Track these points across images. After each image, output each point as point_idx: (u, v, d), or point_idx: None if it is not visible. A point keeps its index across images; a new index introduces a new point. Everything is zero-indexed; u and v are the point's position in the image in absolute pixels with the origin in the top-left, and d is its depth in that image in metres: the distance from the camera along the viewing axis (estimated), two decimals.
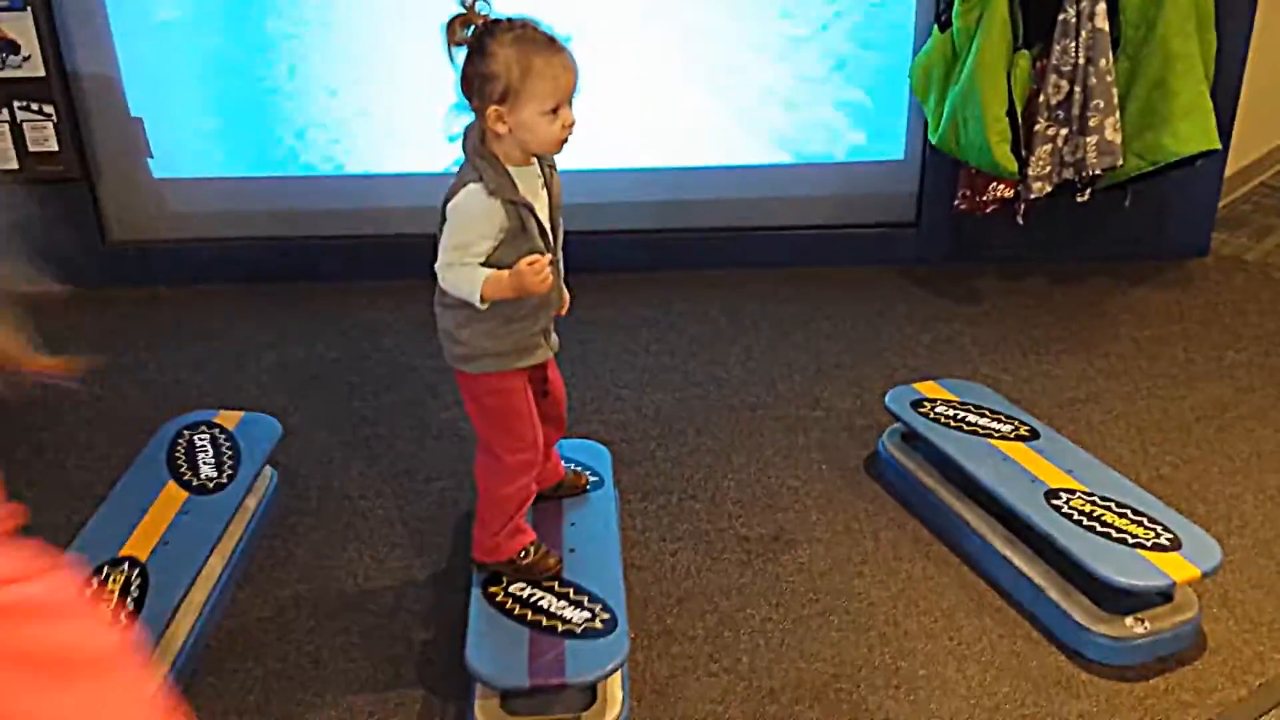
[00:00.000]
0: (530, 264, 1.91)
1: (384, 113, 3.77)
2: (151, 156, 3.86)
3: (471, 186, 1.93)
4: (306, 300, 3.80)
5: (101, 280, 3.89)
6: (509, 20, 1.89)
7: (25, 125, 3.71)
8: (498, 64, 1.86)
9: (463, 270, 1.95)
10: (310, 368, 3.39)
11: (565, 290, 2.18)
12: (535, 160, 2.02)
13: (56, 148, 3.75)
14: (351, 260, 3.93)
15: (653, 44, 3.73)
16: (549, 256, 1.99)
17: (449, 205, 1.96)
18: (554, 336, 2.18)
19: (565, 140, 1.95)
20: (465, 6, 1.89)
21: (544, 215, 2.03)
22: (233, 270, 3.94)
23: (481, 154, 1.95)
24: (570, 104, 1.92)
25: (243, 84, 3.77)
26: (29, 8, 3.57)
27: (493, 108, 1.89)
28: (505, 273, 1.93)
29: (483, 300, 1.95)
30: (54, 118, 3.71)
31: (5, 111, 3.69)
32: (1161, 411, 3.05)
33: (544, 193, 2.05)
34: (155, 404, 3.13)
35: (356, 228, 3.92)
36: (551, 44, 1.89)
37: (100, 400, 3.22)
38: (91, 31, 3.68)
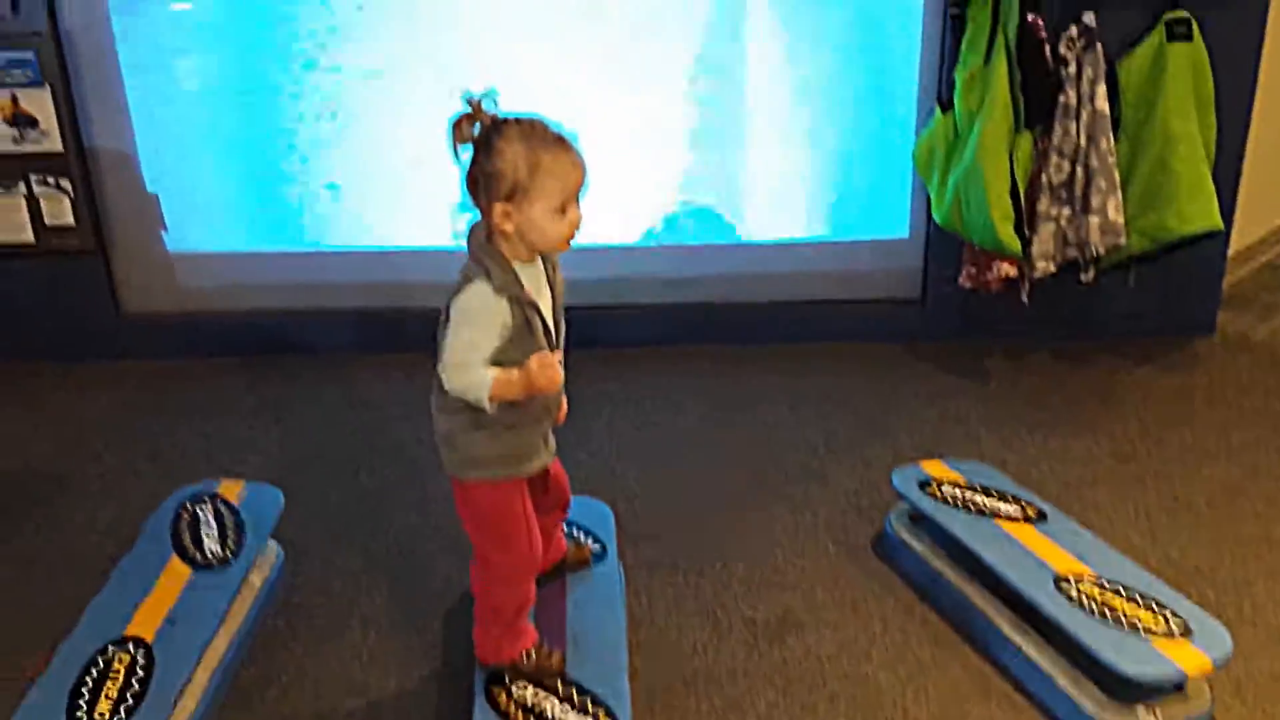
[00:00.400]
0: (540, 363, 1.89)
1: (393, 187, 3.81)
2: (166, 230, 3.91)
3: (477, 284, 1.91)
4: (315, 372, 3.82)
5: (114, 351, 3.92)
6: (516, 119, 1.89)
7: (42, 199, 3.76)
8: (505, 161, 1.85)
9: (470, 370, 1.91)
10: (317, 441, 3.39)
11: (564, 397, 2.14)
12: (539, 258, 2.00)
13: (73, 222, 3.80)
14: (360, 333, 3.95)
15: (660, 121, 3.79)
16: (558, 355, 1.97)
17: (454, 304, 1.93)
18: (552, 441, 2.16)
19: (571, 238, 1.94)
20: (472, 105, 1.89)
21: (548, 313, 2.01)
22: (243, 342, 3.96)
23: (487, 252, 1.93)
24: (577, 202, 1.92)
25: (256, 159, 3.82)
26: (48, 83, 3.64)
27: (499, 205, 1.88)
28: (515, 372, 1.90)
29: (491, 400, 1.91)
30: (71, 192, 3.76)
31: (23, 185, 3.74)
32: (1169, 494, 3.04)
33: (548, 290, 2.03)
34: (162, 476, 3.14)
35: (365, 301, 3.95)
36: (560, 142, 1.88)
37: (107, 473, 3.23)
38: (109, 107, 3.74)
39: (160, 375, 3.83)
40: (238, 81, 3.73)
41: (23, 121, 3.68)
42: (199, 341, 3.97)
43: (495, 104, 1.91)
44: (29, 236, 3.79)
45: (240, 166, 3.84)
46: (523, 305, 1.93)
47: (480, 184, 1.90)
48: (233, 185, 3.87)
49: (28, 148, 3.70)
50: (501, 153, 1.86)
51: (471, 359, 1.91)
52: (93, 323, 3.94)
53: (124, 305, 3.98)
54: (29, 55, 3.61)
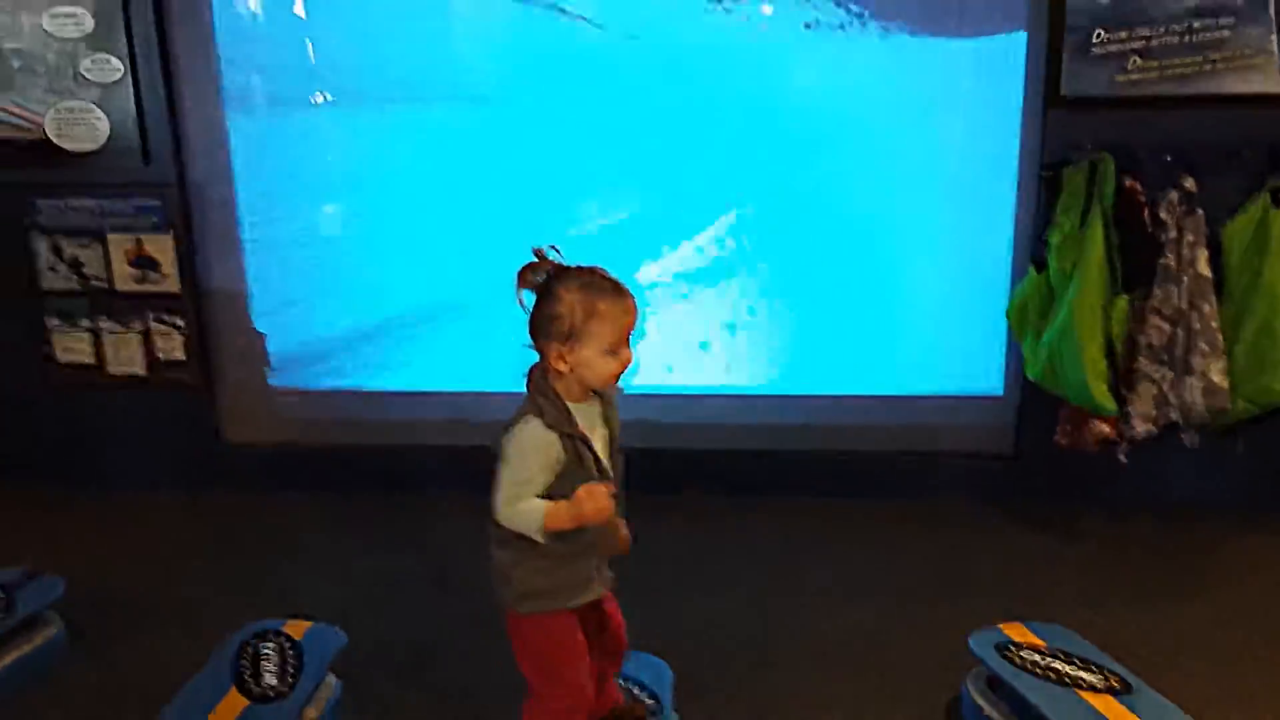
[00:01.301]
0: (589, 492, 1.95)
1: (485, 332, 3.92)
2: (270, 367, 4.06)
3: (530, 421, 2.01)
4: (403, 509, 3.87)
5: (213, 479, 4.06)
6: (578, 267, 2.03)
7: (156, 335, 3.96)
8: (563, 306, 1.98)
9: (522, 504, 2.00)
10: (394, 577, 3.41)
11: (625, 529, 2.18)
12: (595, 398, 2.08)
13: (184, 357, 3.99)
14: (450, 471, 4.00)
15: (755, 271, 3.83)
16: (608, 485, 2.01)
17: (507, 439, 2.02)
18: (608, 573, 2.18)
19: (620, 375, 2.03)
20: (536, 254, 2.03)
21: (601, 450, 2.07)
22: (338, 476, 4.06)
23: (543, 390, 2.03)
24: (630, 344, 2.01)
25: (358, 299, 3.98)
26: (171, 229, 3.87)
27: (556, 346, 2.00)
28: (564, 503, 1.97)
29: (543, 533, 1.98)
30: (184, 330, 3.96)
31: (140, 323, 3.95)
32: (1271, 671, 2.82)
33: (603, 429, 2.10)
34: (238, 607, 3.17)
35: (452, 440, 4.01)
36: (616, 289, 2.00)
37: (187, 602, 3.29)
38: (226, 252, 3.96)
39: (254, 507, 3.94)
40: (345, 228, 3.92)
41: (145, 264, 3.91)
42: (295, 474, 4.08)
43: (558, 254, 2.05)
44: (141, 370, 3.99)
45: (343, 309, 4.00)
46: (574, 440, 2.01)
47: (540, 326, 2.02)
48: (335, 326, 4.02)
49: (148, 288, 3.92)
50: (560, 299, 1.99)
51: (524, 492, 2.00)
52: (194, 453, 4.09)
53: (226, 437, 4.12)
54: (157, 203, 3.87)
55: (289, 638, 2.71)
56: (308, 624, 2.79)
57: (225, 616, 3.08)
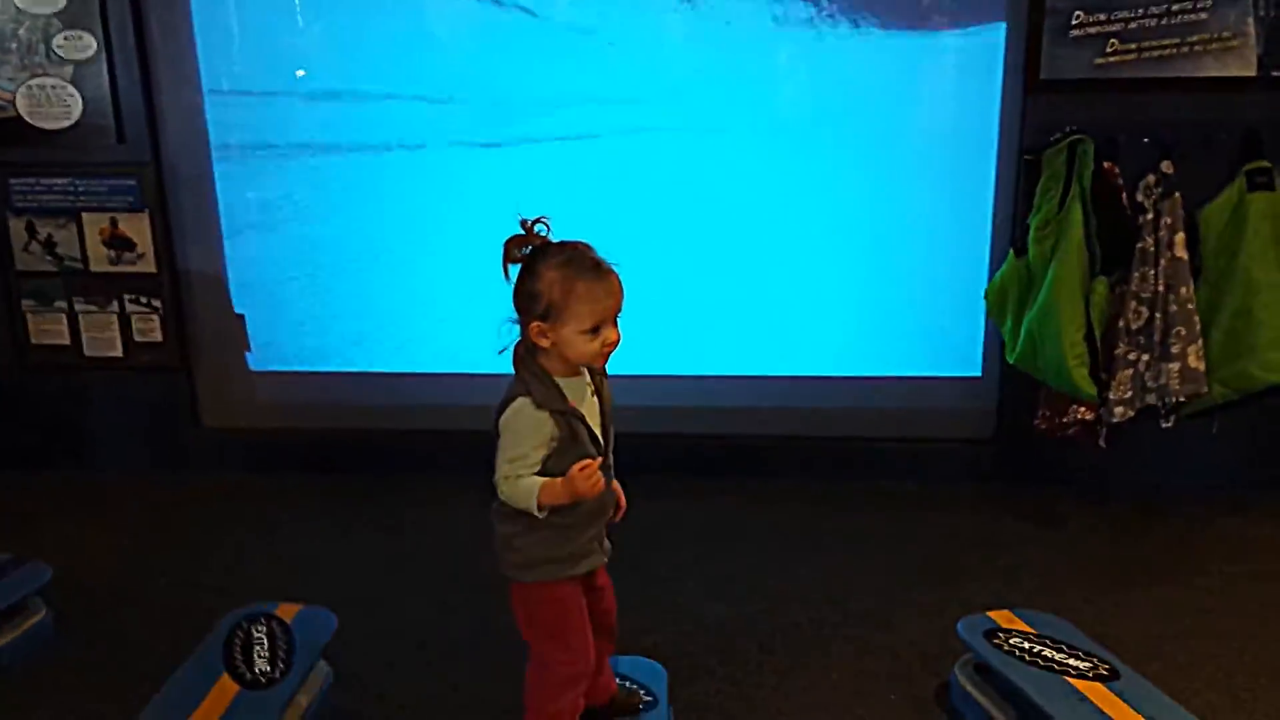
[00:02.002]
0: (581, 469, 1.96)
1: (469, 313, 3.90)
2: (250, 350, 4.03)
3: (520, 401, 2.00)
4: (386, 493, 3.86)
5: (191, 463, 4.02)
6: (562, 243, 2.00)
7: (133, 317, 3.91)
8: (543, 283, 1.96)
9: (519, 482, 2.00)
10: (381, 563, 3.40)
11: (620, 495, 2.20)
12: (584, 370, 2.08)
13: (161, 339, 3.95)
14: (432, 454, 4.00)
15: (737, 254, 3.84)
16: (599, 460, 2.02)
17: (501, 421, 2.02)
18: (606, 543, 2.20)
19: (605, 356, 2.02)
20: (524, 227, 2.00)
21: (594, 422, 2.07)
22: (318, 460, 4.03)
23: (529, 367, 2.03)
24: (613, 324, 2.00)
25: (338, 283, 3.95)
26: (147, 209, 3.82)
27: (536, 323, 1.98)
28: (559, 480, 1.98)
29: (540, 508, 1.99)
30: (160, 311, 3.91)
31: (115, 303, 3.90)
32: (1253, 655, 2.88)
33: (594, 400, 2.10)
34: (224, 590, 3.16)
35: (437, 423, 4.00)
36: (597, 268, 1.97)
37: (172, 586, 3.27)
38: (203, 233, 3.91)
39: (234, 490, 3.91)
40: (326, 210, 3.89)
41: (120, 244, 3.86)
42: (275, 457, 4.05)
43: (546, 229, 2.02)
44: (118, 351, 3.94)
45: (324, 292, 3.96)
46: (567, 417, 2.01)
47: (522, 302, 2.01)
48: (315, 308, 3.98)
49: (124, 268, 3.87)
50: (540, 275, 1.97)
51: (520, 471, 2.00)
52: (173, 435, 4.05)
53: (204, 419, 4.08)
54: (132, 182, 3.81)
55: (280, 621, 2.70)
56: (298, 607, 2.78)
57: (212, 600, 3.07)
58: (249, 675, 2.52)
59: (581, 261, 1.97)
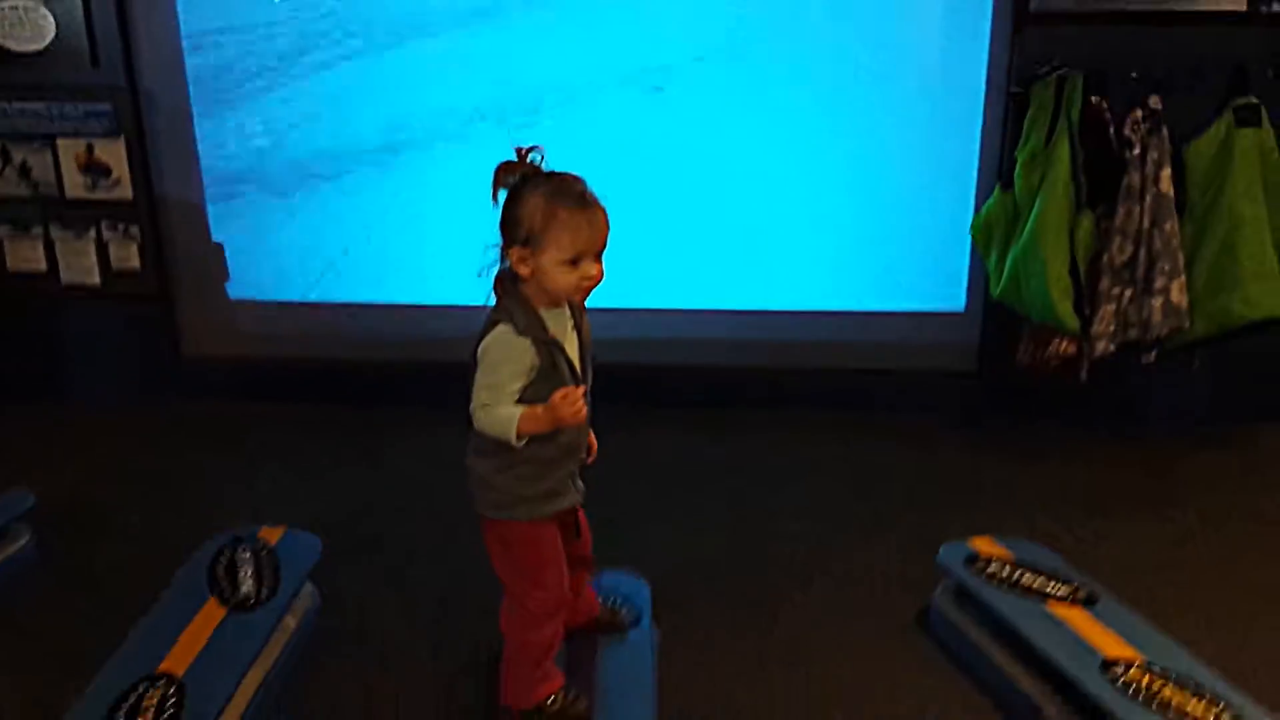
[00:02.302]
0: (563, 396, 1.94)
1: (454, 244, 3.87)
2: (229, 279, 3.99)
3: (501, 328, 1.98)
4: (367, 423, 3.85)
5: (172, 392, 4.00)
6: (551, 173, 1.98)
7: (110, 244, 3.86)
8: (526, 209, 1.94)
9: (497, 409, 1.98)
10: (362, 490, 3.40)
11: (592, 438, 2.19)
12: (565, 304, 2.06)
13: (139, 266, 3.90)
14: (413, 385, 3.98)
15: (721, 187, 3.82)
16: (582, 388, 2.01)
17: (480, 347, 2.00)
18: (579, 483, 2.19)
19: (585, 291, 1.99)
20: (517, 154, 1.98)
21: (574, 356, 2.06)
22: (299, 390, 4.02)
23: (512, 296, 2.00)
24: (595, 258, 1.97)
25: (318, 213, 3.90)
26: (123, 135, 3.76)
27: (516, 250, 1.96)
28: (539, 407, 1.96)
29: (518, 437, 1.97)
30: (138, 239, 3.86)
31: (93, 230, 3.85)
32: (1228, 582, 2.93)
33: (574, 334, 2.08)
34: (205, 518, 3.16)
35: (418, 354, 3.99)
36: (582, 199, 1.95)
37: (154, 512, 3.26)
38: (180, 160, 3.85)
39: (215, 419, 3.89)
40: (305, 139, 3.83)
41: (96, 170, 3.80)
42: (256, 387, 4.03)
43: (540, 157, 1.99)
44: (96, 280, 3.90)
45: (302, 220, 3.92)
46: (548, 346, 1.99)
47: (506, 228, 1.99)
48: (295, 238, 3.94)
49: (99, 195, 3.82)
50: (524, 201, 1.95)
51: (498, 398, 1.98)
52: (153, 365, 4.02)
53: (184, 349, 4.05)
54: (106, 107, 3.74)
55: (265, 544, 2.70)
56: (282, 530, 2.78)
57: (195, 526, 3.06)
58: (235, 598, 2.52)
59: (567, 191, 1.95)
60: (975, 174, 3.77)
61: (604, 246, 1.98)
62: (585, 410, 1.97)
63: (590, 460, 2.20)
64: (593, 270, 1.96)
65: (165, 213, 3.91)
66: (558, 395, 1.94)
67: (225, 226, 3.93)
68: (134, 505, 3.31)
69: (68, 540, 3.09)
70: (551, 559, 2.15)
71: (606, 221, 1.97)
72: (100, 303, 3.94)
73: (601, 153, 3.68)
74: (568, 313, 2.07)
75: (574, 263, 1.94)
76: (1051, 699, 2.32)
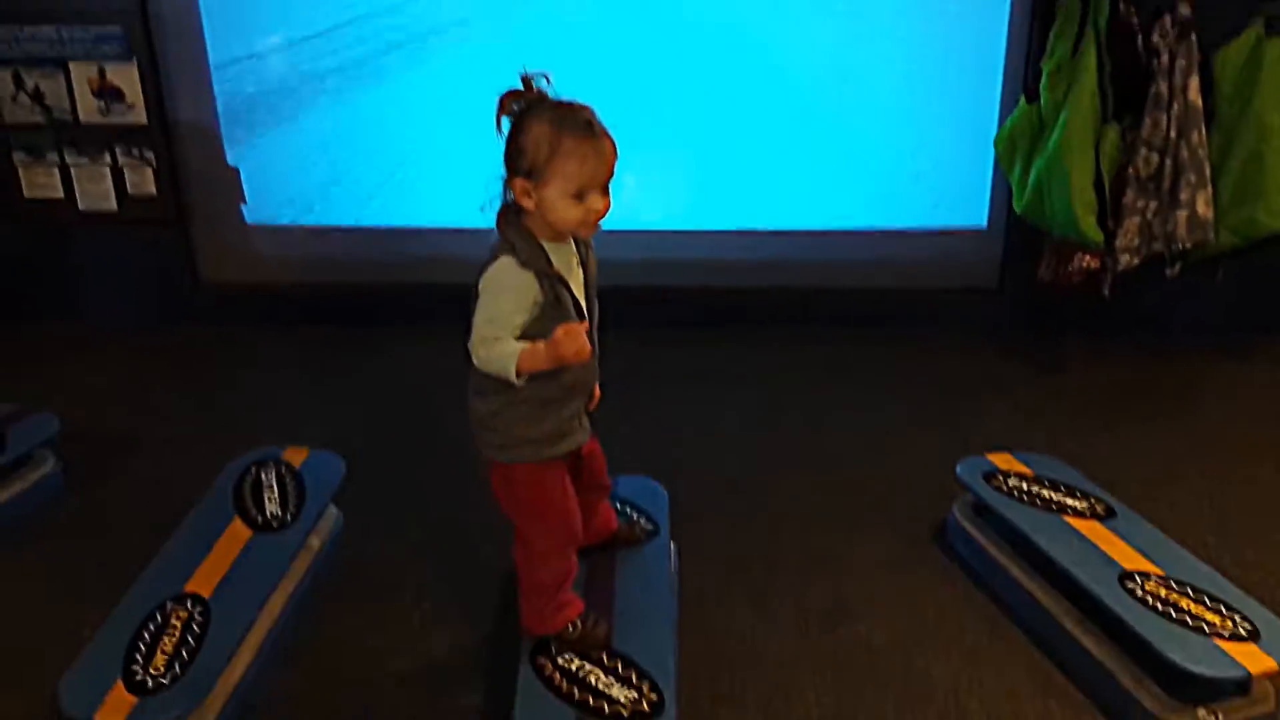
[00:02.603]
0: (566, 331, 1.84)
1: (463, 165, 3.84)
2: (245, 203, 3.98)
3: (503, 260, 1.90)
4: (386, 345, 3.86)
5: (190, 317, 4.02)
6: (557, 101, 1.88)
7: (126, 169, 3.86)
8: (529, 139, 1.85)
9: (497, 345, 1.90)
10: (383, 412, 3.43)
11: (597, 382, 2.12)
12: (570, 238, 1.98)
13: (155, 192, 3.90)
14: (430, 308, 3.97)
15: (741, 104, 3.76)
16: (585, 324, 1.92)
17: (482, 281, 1.93)
18: (587, 422, 2.13)
19: (591, 225, 1.91)
20: (523, 81, 1.88)
21: (579, 292, 1.99)
22: (318, 313, 4.02)
23: (515, 228, 1.92)
24: (603, 192, 1.89)
25: (335, 137, 3.88)
26: (135, 58, 3.73)
27: (520, 181, 1.88)
28: (541, 344, 1.87)
29: (519, 374, 1.89)
30: (153, 164, 3.85)
31: (108, 155, 3.84)
32: (1248, 495, 2.93)
33: (579, 270, 2.01)
34: (228, 441, 3.18)
35: (437, 276, 3.97)
36: (588, 129, 1.85)
37: (177, 436, 3.30)
38: (194, 83, 3.82)
39: (233, 342, 3.92)
40: (320, 62, 3.79)
41: (109, 94, 3.77)
42: (274, 311, 4.04)
43: (546, 83, 1.90)
44: (112, 205, 3.90)
45: (319, 143, 3.89)
46: (551, 280, 1.91)
47: (510, 158, 1.90)
48: (312, 161, 3.92)
49: (113, 119, 3.80)
50: (528, 131, 1.85)
51: (499, 333, 1.90)
52: (170, 289, 4.03)
53: (202, 274, 4.06)
54: (117, 30, 3.71)
55: (289, 466, 2.73)
56: (306, 452, 2.80)
57: (217, 448, 3.08)
58: (260, 519, 2.56)
59: (573, 120, 1.85)
60: (1000, 86, 3.70)
61: (611, 178, 1.89)
62: (589, 347, 1.88)
63: (593, 407, 2.14)
64: (599, 204, 1.88)
65: (179, 137, 3.89)
66: (560, 331, 1.84)
67: (241, 150, 3.91)
68: (157, 429, 3.35)
69: (92, 464, 3.12)
70: (558, 499, 2.11)
71: (615, 152, 1.88)
72: (118, 228, 3.94)
73: (618, 66, 3.63)
74: (573, 247, 2.00)
75: (579, 196, 1.86)
76: (1069, 612, 2.34)
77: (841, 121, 3.78)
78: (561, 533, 2.15)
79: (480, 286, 1.93)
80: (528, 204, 1.89)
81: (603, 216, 1.90)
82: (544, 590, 2.17)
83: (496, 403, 2.01)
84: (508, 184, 1.92)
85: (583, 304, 2.00)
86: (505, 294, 1.90)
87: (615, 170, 1.89)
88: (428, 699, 2.27)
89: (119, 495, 3.00)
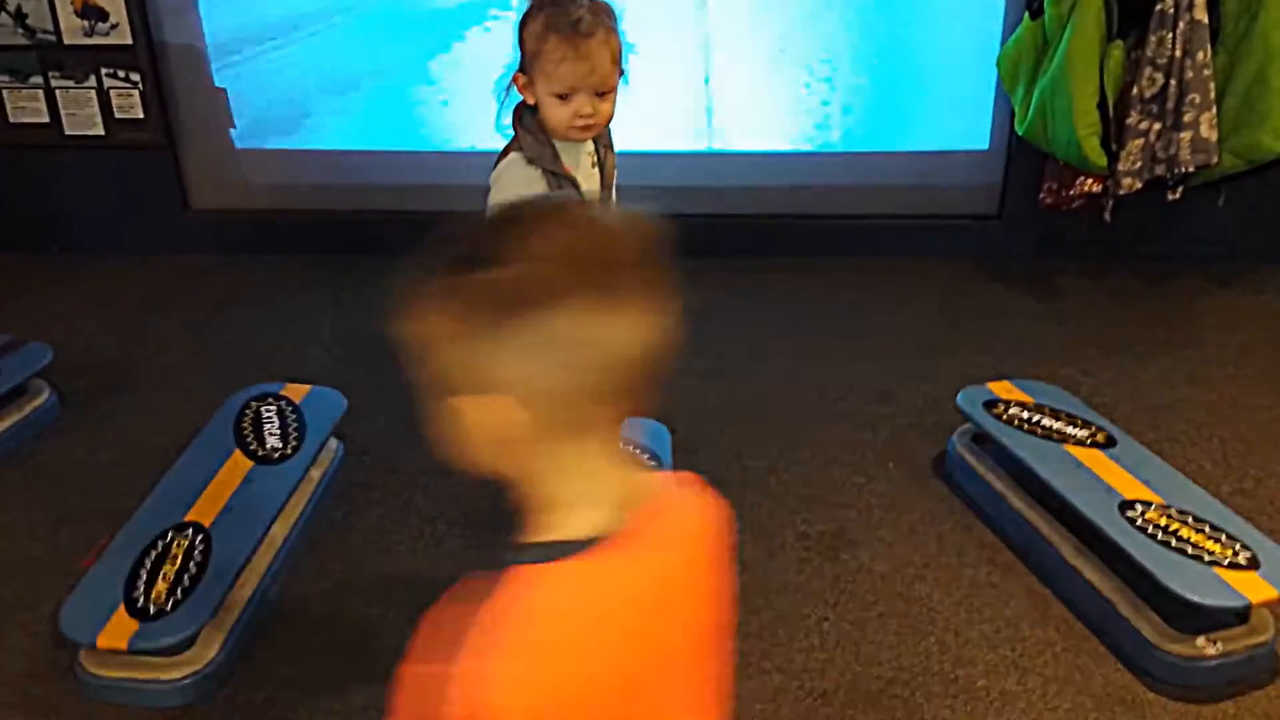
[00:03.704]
0: None
1: (462, 90, 3.76)
2: (234, 127, 3.90)
3: (511, 155, 1.91)
4: (380, 274, 3.81)
5: (182, 245, 3.96)
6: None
7: (112, 92, 3.77)
8: (526, 32, 1.85)
9: None
10: (380, 342, 3.40)
11: None
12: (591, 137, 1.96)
13: (142, 115, 3.82)
14: (425, 235, 3.94)
15: (739, 27, 3.68)
16: None
17: (492, 175, 1.94)
18: None
19: (579, 129, 1.88)
20: None
21: (592, 194, 1.97)
22: (310, 241, 3.97)
23: (526, 125, 1.92)
24: (590, 95, 1.85)
25: (325, 58, 3.79)
26: None
27: (519, 74, 1.88)
28: None
29: None
30: (140, 86, 3.77)
31: (93, 78, 3.75)
32: (1248, 423, 2.93)
33: (594, 171, 1.99)
34: (226, 371, 3.16)
35: (430, 203, 3.92)
36: (574, 28, 1.81)
37: (173, 367, 3.28)
38: (178, 2, 3.72)
39: (226, 271, 3.87)
40: None
41: (93, 14, 3.67)
42: (266, 238, 3.98)
43: None
44: (99, 129, 3.82)
45: (308, 65, 3.81)
46: (558, 177, 1.90)
47: (516, 52, 1.90)
48: (301, 84, 3.84)
49: (97, 40, 3.71)
50: (526, 25, 1.86)
51: None
52: (160, 216, 3.97)
53: (191, 200, 4.00)
54: None
55: (289, 401, 2.72)
56: (307, 388, 2.79)
57: (215, 380, 3.07)
58: (261, 451, 2.55)
59: (561, 18, 1.81)
60: (1004, 3, 3.61)
61: (605, 83, 1.85)
62: None
63: None
64: (586, 108, 1.85)
65: (166, 58, 3.79)
66: None
67: (228, 72, 3.82)
68: (152, 359, 3.32)
69: (88, 395, 3.11)
70: None
71: (612, 55, 1.84)
72: (105, 152, 3.86)
73: None
74: (589, 147, 1.98)
75: (564, 97, 1.84)
76: (1069, 540, 2.35)
77: (837, 38, 3.69)
78: None
79: (490, 181, 1.94)
80: (530, 99, 1.89)
81: (597, 123, 1.88)
82: None
83: None
84: (513, 78, 1.91)
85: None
86: (511, 189, 1.90)
87: (616, 75, 1.86)
88: None
89: (116, 427, 2.99)
